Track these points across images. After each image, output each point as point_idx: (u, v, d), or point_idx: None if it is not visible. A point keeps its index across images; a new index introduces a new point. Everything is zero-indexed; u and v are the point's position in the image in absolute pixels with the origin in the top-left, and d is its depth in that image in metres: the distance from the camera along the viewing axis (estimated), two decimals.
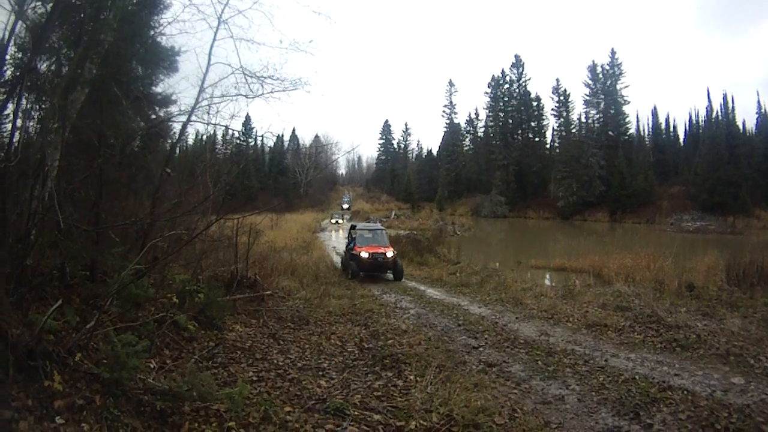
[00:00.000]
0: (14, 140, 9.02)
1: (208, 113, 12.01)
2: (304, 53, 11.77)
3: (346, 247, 27.46)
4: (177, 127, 13.89)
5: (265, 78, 11.68)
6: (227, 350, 8.81)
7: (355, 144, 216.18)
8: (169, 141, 14.82)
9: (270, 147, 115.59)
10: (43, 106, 10.31)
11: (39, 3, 9.95)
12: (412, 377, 8.02)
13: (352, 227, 28.91)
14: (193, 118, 11.84)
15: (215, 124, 12.10)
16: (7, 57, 9.07)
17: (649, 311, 12.31)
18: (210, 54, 11.00)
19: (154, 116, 14.78)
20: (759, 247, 23.14)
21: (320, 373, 8.28)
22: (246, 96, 11.66)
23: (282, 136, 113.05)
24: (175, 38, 13.28)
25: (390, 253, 23.75)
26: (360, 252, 23.47)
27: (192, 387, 5.88)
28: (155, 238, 8.86)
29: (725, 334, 10.34)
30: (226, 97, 11.74)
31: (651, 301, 13.33)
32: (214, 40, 11.10)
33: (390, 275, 23.62)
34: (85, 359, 5.64)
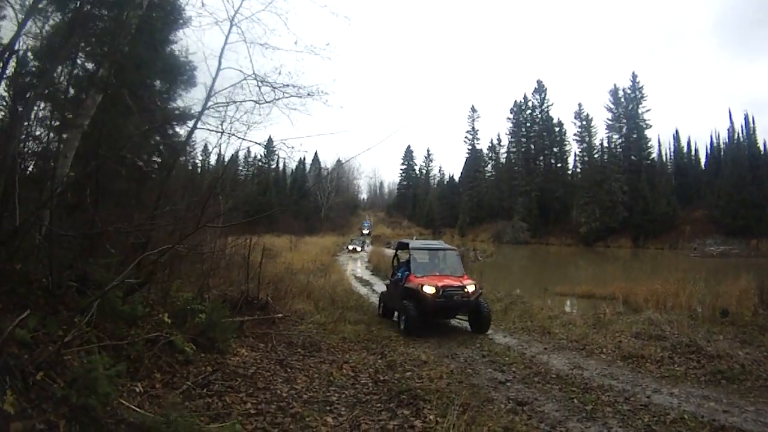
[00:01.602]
0: (27, 147, 8.87)
1: (222, 123, 11.37)
2: (321, 60, 11.10)
3: (391, 276, 18.60)
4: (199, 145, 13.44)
5: (278, 86, 10.98)
6: (226, 377, 8.00)
7: (377, 168, 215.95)
8: (191, 158, 14.44)
9: (292, 170, 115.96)
10: (56, 113, 10.33)
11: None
12: (431, 417, 7.07)
13: (401, 246, 19.78)
14: (206, 126, 11.20)
15: (230, 134, 11.36)
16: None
17: (686, 340, 11.57)
18: (221, 57, 10.29)
19: (171, 131, 14.24)
20: None
21: (328, 408, 7.40)
22: (257, 102, 10.92)
23: (304, 159, 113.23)
24: (184, 41, 12.94)
25: (471, 287, 15.26)
26: (421, 286, 14.93)
27: (171, 422, 5.07)
28: (152, 251, 8.07)
29: None
30: (235, 103, 11.06)
31: (686, 329, 12.69)
32: (226, 43, 10.40)
33: (463, 322, 16.16)
34: (58, 378, 5.07)
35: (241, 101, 10.89)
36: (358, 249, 68.05)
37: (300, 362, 9.90)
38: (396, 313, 16.62)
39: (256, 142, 11.00)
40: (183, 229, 8.82)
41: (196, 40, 17.50)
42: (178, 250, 8.85)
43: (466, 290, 15.12)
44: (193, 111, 12.91)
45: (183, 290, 10.75)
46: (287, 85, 10.96)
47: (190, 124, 12.08)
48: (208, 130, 11.33)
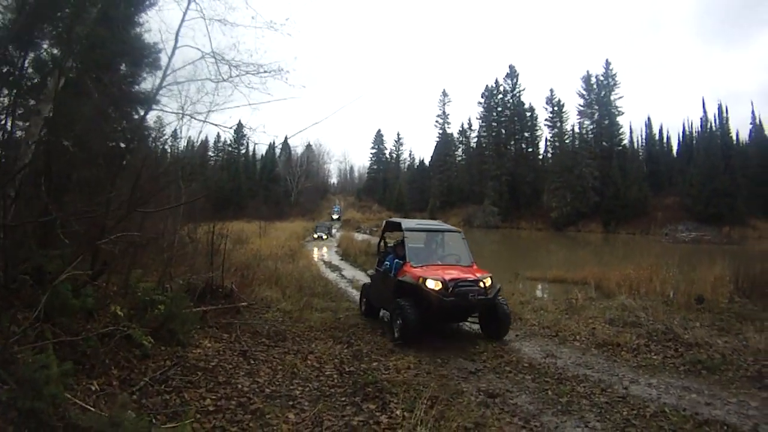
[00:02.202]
0: None
1: (183, 106, 11.01)
2: (281, 36, 10.84)
3: (378, 265, 14.83)
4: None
5: (237, 64, 10.64)
6: (186, 371, 7.64)
7: (347, 153, 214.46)
8: (160, 144, 14.21)
9: (262, 155, 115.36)
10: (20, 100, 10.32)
11: None
12: (398, 412, 6.77)
13: (391, 226, 15.34)
14: (166, 108, 10.91)
15: (190, 115, 11.02)
16: None
17: (662, 327, 11.39)
18: (177, 34, 9.88)
19: (136, 116, 13.83)
20: (765, 257, 22.20)
21: (290, 402, 7.07)
22: (213, 80, 10.58)
23: (274, 143, 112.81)
24: (150, 23, 12.67)
25: (487, 280, 11.81)
26: (422, 279, 11.49)
27: (120, 423, 4.77)
28: (103, 240, 7.70)
29: (751, 353, 9.45)
30: (193, 81, 10.73)
31: (661, 315, 12.59)
32: (183, 19, 9.97)
33: (472, 325, 12.79)
34: (9, 379, 4.73)
35: (198, 80, 10.58)
36: (324, 237, 61.30)
37: (264, 353, 9.58)
38: (383, 312, 13.99)
39: (215, 124, 10.55)
40: (137, 217, 8.52)
41: (159, 20, 16.96)
42: (132, 238, 8.48)
43: (482, 285, 11.48)
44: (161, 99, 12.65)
45: (145, 280, 10.35)
46: (247, 64, 10.67)
47: (160, 110, 11.79)
48: (165, 111, 11.03)
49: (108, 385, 6.30)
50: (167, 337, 8.49)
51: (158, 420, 5.75)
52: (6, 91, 10.09)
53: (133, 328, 7.65)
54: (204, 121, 10.84)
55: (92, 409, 5.27)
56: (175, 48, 9.80)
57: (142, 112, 12.96)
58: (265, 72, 10.51)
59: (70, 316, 6.91)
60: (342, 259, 35.88)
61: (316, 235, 61.62)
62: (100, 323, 7.41)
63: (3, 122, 9.26)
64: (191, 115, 10.79)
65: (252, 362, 8.87)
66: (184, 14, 9.97)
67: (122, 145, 13.11)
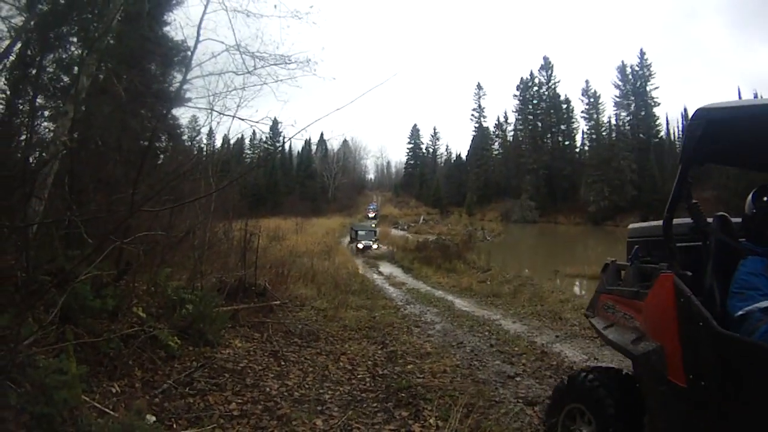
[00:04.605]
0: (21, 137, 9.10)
1: (213, 105, 10.93)
2: (306, 26, 10.77)
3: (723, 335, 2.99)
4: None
5: (261, 55, 10.51)
6: (213, 372, 7.41)
7: (384, 148, 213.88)
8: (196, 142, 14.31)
9: (299, 152, 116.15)
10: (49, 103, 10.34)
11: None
12: (432, 420, 6.37)
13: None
14: (195, 105, 10.92)
15: (219, 112, 10.97)
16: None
17: None
18: (199, 28, 9.72)
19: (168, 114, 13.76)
20: None
21: (319, 408, 6.73)
22: (237, 73, 10.46)
23: (310, 140, 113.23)
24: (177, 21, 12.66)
25: None
26: None
27: (135, 429, 4.68)
28: (119, 240, 7.52)
29: None
30: (216, 75, 10.65)
31: None
32: (205, 12, 9.79)
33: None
34: (23, 382, 4.54)
35: (223, 72, 10.47)
36: (374, 246, 43.17)
37: (295, 354, 9.30)
38: None
39: (242, 119, 10.49)
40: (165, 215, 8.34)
41: (182, 15, 16.97)
42: (155, 237, 8.28)
43: None
44: (188, 95, 12.53)
45: (174, 278, 10.18)
46: (273, 55, 10.54)
47: (186, 107, 11.73)
48: (192, 107, 11.00)
49: (130, 388, 6.16)
50: (195, 338, 8.32)
51: (179, 425, 5.56)
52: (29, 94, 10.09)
53: (160, 328, 7.53)
54: (233, 116, 10.72)
55: (111, 412, 5.13)
56: (197, 42, 9.68)
57: (179, 113, 12.90)
58: (293, 63, 10.33)
59: (93, 317, 6.75)
60: (376, 258, 35.79)
61: (360, 245, 43.12)
62: (124, 324, 7.23)
63: (28, 122, 9.19)
64: (220, 111, 10.68)
65: (282, 363, 8.61)
66: (206, 6, 9.80)
67: (146, 143, 13.11)
